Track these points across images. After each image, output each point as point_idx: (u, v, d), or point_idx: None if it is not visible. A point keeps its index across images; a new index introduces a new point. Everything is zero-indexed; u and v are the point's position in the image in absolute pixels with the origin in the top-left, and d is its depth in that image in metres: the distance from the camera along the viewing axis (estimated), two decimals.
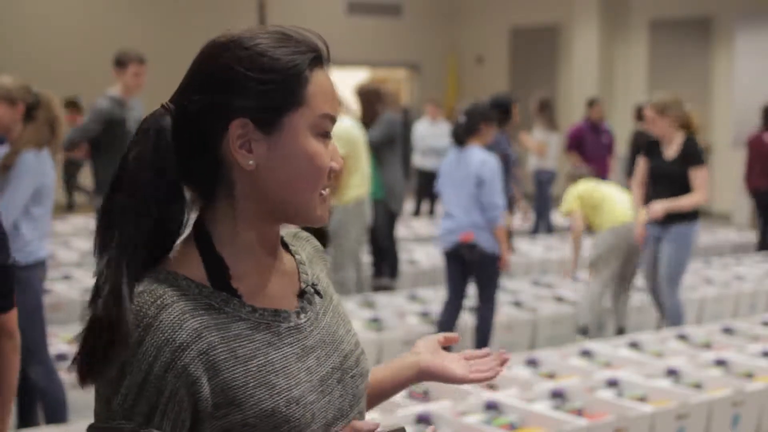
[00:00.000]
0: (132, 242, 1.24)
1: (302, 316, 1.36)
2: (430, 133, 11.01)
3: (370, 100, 7.70)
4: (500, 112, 7.22)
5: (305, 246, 1.48)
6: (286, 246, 1.43)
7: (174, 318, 1.22)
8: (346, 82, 8.22)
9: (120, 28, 14.07)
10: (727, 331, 5.96)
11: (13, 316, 2.14)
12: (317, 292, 1.40)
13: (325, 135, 1.31)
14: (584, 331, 6.38)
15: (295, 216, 1.33)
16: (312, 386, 1.32)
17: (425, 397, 4.51)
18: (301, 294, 1.38)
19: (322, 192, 1.32)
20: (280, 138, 1.27)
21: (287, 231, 1.47)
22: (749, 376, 4.91)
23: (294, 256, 1.43)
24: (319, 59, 1.32)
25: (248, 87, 1.26)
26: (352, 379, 1.39)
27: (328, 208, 1.34)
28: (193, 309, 1.24)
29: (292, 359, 1.31)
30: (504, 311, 6.42)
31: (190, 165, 1.29)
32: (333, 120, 1.31)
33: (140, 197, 1.25)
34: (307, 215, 1.32)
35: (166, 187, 1.27)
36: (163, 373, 1.21)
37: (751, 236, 10.59)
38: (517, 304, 6.70)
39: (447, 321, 5.92)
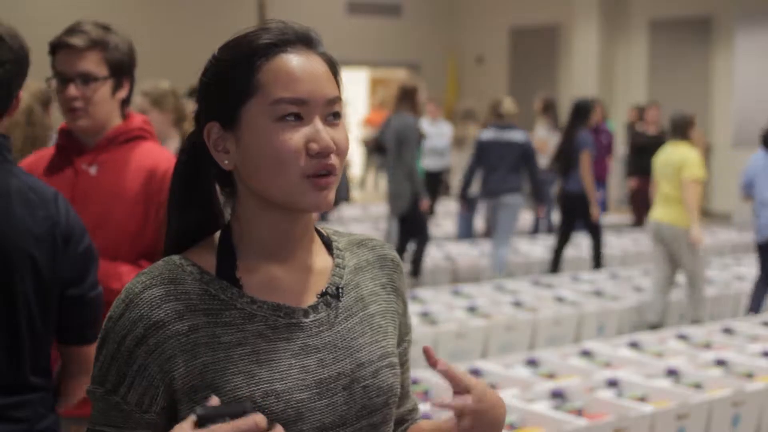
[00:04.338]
0: (174, 230, 1.39)
1: (311, 315, 1.35)
2: (430, 133, 10.99)
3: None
4: (580, 112, 7.94)
5: (365, 254, 1.47)
6: (330, 248, 1.44)
7: (155, 297, 1.29)
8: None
9: (119, 27, 14.05)
10: (727, 331, 5.96)
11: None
12: (337, 296, 1.39)
13: (295, 117, 1.29)
14: (654, 327, 6.58)
15: (287, 204, 1.32)
16: (305, 385, 1.31)
17: (426, 396, 4.51)
18: (322, 295, 1.38)
19: (312, 175, 1.29)
20: (241, 131, 1.31)
21: (352, 237, 1.48)
22: (749, 376, 4.91)
23: (334, 259, 1.42)
24: (283, 44, 1.32)
25: (208, 92, 1.35)
26: (364, 390, 1.36)
27: (327, 191, 1.31)
28: (182, 292, 1.30)
29: (285, 354, 1.31)
30: (504, 311, 6.42)
31: (215, 170, 1.39)
32: (295, 102, 1.29)
33: (181, 196, 1.39)
34: (295, 202, 1.31)
35: (201, 188, 1.40)
36: (133, 347, 1.28)
37: (751, 236, 10.58)
38: (517, 304, 6.70)
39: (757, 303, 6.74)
